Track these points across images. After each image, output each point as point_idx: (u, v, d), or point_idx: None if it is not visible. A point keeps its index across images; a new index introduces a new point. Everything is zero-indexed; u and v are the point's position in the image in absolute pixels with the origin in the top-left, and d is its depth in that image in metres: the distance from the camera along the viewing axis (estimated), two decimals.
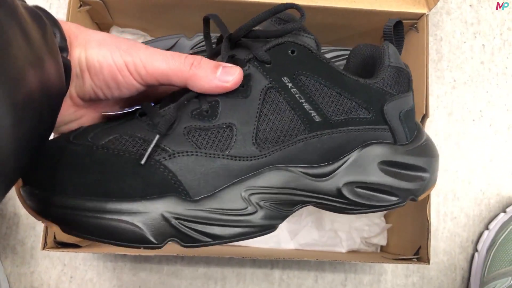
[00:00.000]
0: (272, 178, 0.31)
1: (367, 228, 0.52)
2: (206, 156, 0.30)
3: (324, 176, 0.33)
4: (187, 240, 0.29)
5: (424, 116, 0.45)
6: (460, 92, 0.59)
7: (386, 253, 0.52)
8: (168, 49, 0.48)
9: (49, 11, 0.49)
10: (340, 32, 0.51)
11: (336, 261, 0.54)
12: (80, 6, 0.46)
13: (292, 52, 0.32)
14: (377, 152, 0.34)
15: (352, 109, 0.33)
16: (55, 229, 0.28)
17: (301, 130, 0.32)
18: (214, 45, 0.37)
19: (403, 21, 0.47)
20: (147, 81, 0.31)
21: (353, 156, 0.34)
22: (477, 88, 0.59)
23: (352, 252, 0.52)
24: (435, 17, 0.60)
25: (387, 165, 0.34)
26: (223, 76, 0.31)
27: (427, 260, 0.43)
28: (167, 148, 0.29)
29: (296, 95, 0.32)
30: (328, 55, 0.51)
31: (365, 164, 0.34)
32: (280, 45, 0.32)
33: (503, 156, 0.58)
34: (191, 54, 0.47)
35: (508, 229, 0.53)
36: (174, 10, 0.47)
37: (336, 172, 0.33)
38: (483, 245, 0.55)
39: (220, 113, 0.31)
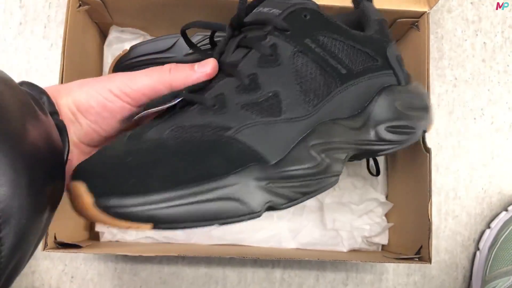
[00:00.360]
0: (323, 132, 0.34)
1: (368, 227, 0.52)
2: (266, 124, 0.32)
3: (358, 124, 0.36)
4: (282, 201, 0.31)
5: None
6: (461, 90, 0.58)
7: (387, 252, 0.52)
8: (168, 49, 0.48)
9: (48, 10, 0.49)
10: None
11: (337, 261, 0.54)
12: (79, 6, 0.46)
13: (305, 16, 0.35)
14: (393, 93, 0.38)
15: (366, 58, 0.37)
16: (145, 228, 0.27)
17: (333, 84, 0.35)
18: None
19: (404, 19, 0.48)
20: (136, 99, 0.32)
21: (374, 101, 0.37)
22: (478, 86, 0.58)
23: (353, 251, 0.52)
24: (436, 15, 0.59)
25: (403, 103, 0.38)
26: (200, 68, 0.33)
27: (428, 260, 0.42)
28: (230, 125, 0.31)
29: (321, 53, 0.35)
30: None
31: (387, 105, 0.37)
32: (293, 12, 0.35)
33: (505, 154, 0.57)
34: (190, 54, 0.47)
35: (510, 228, 0.53)
36: (174, 10, 0.47)
37: (366, 118, 0.36)
38: (484, 244, 0.55)
39: (262, 83, 0.33)
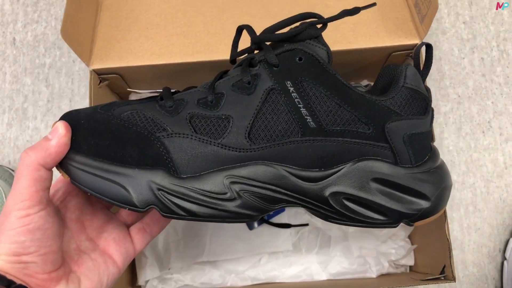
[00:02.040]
0: (256, 171, 0.34)
1: (393, 251, 0.54)
2: (199, 140, 0.34)
3: (314, 181, 0.34)
4: (165, 210, 0.33)
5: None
6: (466, 107, 0.61)
7: (414, 273, 0.54)
8: None
9: (71, 86, 0.54)
10: (336, 70, 0.54)
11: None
12: (100, 82, 0.50)
13: (300, 59, 0.35)
14: (373, 168, 0.35)
15: (351, 121, 0.35)
16: (66, 177, 0.33)
17: (294, 133, 0.34)
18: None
19: (398, 52, 0.50)
20: (36, 200, 0.31)
21: (346, 167, 0.35)
22: (482, 100, 0.61)
23: (382, 276, 0.54)
24: (431, 38, 0.62)
25: (381, 183, 0.35)
26: (54, 134, 0.33)
27: (452, 279, 0.44)
28: (168, 128, 0.34)
29: (296, 100, 0.34)
30: None
31: (358, 177, 0.34)
32: (289, 51, 0.35)
33: None
34: None
35: None
36: (185, 74, 0.51)
37: (327, 180, 0.34)
38: (511, 253, 0.56)
39: (222, 105, 0.34)
